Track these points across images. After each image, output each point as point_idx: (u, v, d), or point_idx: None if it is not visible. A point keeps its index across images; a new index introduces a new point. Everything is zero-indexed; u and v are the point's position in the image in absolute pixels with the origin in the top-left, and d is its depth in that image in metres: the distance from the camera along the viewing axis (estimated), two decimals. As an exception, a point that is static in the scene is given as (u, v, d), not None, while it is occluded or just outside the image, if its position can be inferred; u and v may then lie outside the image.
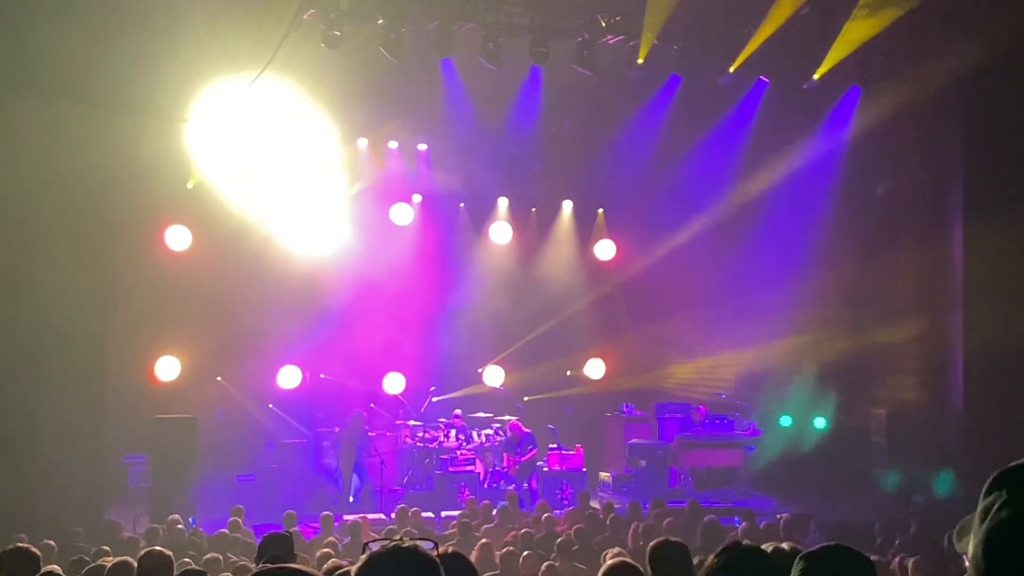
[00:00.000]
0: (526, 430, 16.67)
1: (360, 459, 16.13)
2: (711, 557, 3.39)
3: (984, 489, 1.69)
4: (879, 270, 17.80)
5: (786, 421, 18.64)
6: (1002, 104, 15.53)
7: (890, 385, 17.34)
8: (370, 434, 16.43)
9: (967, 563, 1.74)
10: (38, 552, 5.34)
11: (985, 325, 15.75)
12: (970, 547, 1.69)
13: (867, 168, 17.91)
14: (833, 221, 18.17)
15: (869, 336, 17.71)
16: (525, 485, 16.33)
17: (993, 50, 15.35)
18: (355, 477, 16.13)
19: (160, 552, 6.15)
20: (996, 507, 1.65)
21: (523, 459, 16.41)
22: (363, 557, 2.36)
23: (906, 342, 17.09)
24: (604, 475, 17.73)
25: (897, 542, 10.59)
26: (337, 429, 16.83)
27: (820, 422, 18.46)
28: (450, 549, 3.64)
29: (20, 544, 6.06)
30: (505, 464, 16.62)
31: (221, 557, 8.90)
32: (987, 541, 1.64)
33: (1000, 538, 1.62)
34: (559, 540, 10.02)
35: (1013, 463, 1.69)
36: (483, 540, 10.21)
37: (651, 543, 4.66)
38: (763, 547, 3.68)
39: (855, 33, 15.70)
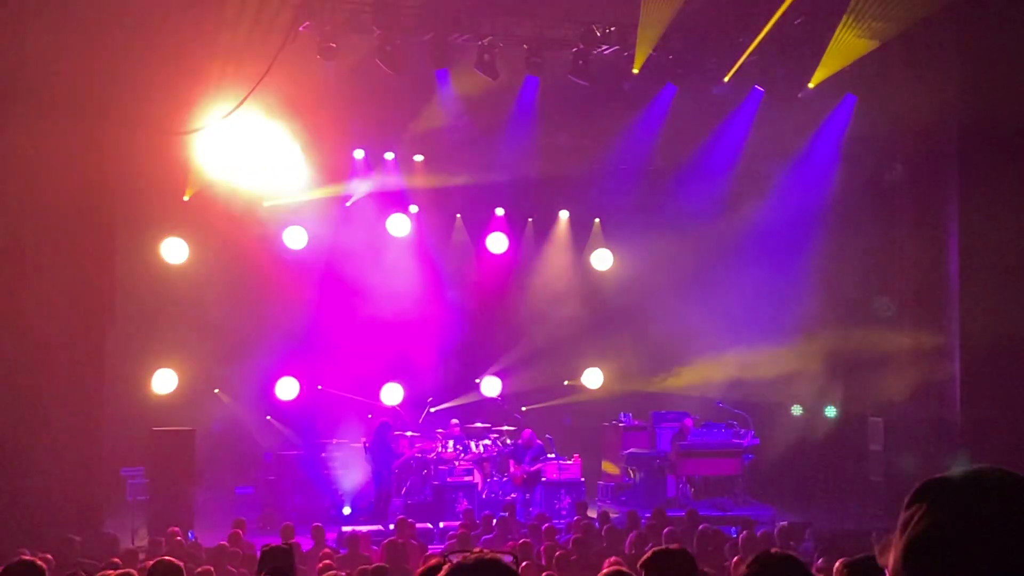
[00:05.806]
0: (539, 441, 16.64)
1: (385, 468, 15.96)
2: (743, 566, 3.38)
3: (905, 502, 1.71)
4: (875, 278, 17.80)
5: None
6: (998, 112, 15.58)
7: (887, 392, 17.33)
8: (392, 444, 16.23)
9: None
10: (44, 565, 5.33)
11: (982, 334, 15.78)
12: (890, 559, 1.70)
13: (862, 176, 17.93)
14: (828, 229, 18.19)
15: (865, 344, 17.71)
16: (527, 496, 16.28)
17: (985, 59, 15.43)
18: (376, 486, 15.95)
19: (170, 562, 6.16)
20: (916, 519, 1.66)
21: (532, 469, 16.36)
22: (446, 567, 2.36)
23: (903, 350, 17.10)
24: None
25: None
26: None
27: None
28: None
29: (25, 557, 6.05)
30: (511, 473, 16.57)
31: (223, 571, 8.87)
32: (907, 552, 1.65)
33: (919, 549, 1.64)
34: (557, 552, 10.00)
35: (934, 476, 1.71)
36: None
37: (645, 554, 4.42)
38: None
39: (847, 44, 15.73)
